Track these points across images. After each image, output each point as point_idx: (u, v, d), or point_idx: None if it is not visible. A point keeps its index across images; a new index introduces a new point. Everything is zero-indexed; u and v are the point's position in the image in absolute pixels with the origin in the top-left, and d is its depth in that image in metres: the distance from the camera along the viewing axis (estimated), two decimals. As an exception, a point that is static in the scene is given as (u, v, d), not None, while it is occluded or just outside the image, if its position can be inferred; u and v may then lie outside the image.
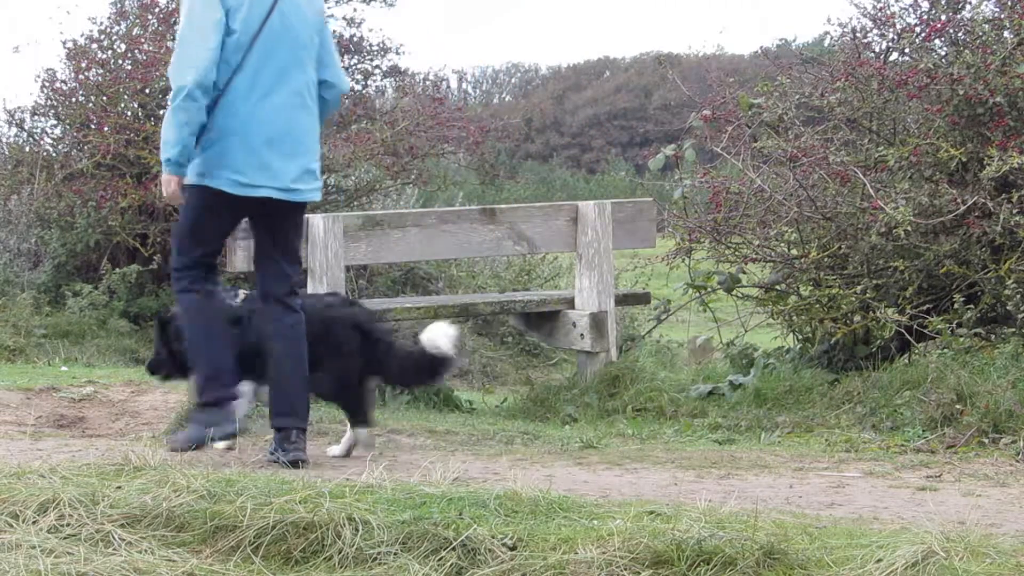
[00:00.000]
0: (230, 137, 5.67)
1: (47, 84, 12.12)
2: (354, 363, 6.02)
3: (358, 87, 12.83)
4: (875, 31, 8.44)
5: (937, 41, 8.02)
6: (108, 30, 12.37)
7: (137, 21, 12.35)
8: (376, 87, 13.37)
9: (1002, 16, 7.77)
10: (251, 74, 5.69)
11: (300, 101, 5.79)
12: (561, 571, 3.84)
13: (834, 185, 7.88)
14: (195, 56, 5.58)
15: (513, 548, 3.96)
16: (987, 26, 7.64)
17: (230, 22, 5.66)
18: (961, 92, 7.43)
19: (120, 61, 12.01)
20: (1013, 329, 7.17)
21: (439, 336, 6.05)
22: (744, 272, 8.66)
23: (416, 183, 13.27)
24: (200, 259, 5.84)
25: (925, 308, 7.49)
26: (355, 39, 12.54)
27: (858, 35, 8.40)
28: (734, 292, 8.70)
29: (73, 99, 12.00)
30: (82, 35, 12.11)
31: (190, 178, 5.71)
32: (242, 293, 6.17)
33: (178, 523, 4.14)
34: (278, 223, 5.84)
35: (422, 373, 6.18)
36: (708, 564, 3.82)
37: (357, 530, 4.04)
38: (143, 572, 3.82)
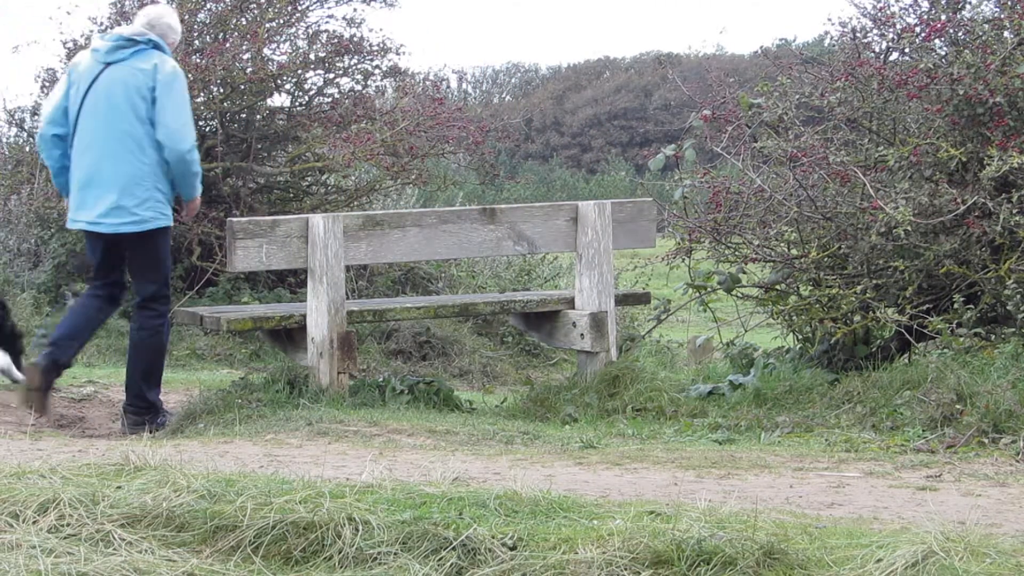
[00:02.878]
0: (71, 183, 7.36)
1: (47, 84, 12.11)
2: None
3: (358, 87, 12.83)
4: (875, 31, 8.43)
5: (937, 41, 8.01)
6: (108, 30, 12.35)
7: (137, 21, 12.33)
8: (376, 87, 13.35)
9: (1002, 16, 7.77)
10: (78, 132, 7.29)
11: (114, 150, 7.19)
12: (561, 571, 3.84)
13: (834, 185, 7.87)
14: (44, 112, 7.54)
15: (513, 548, 3.96)
16: (987, 26, 7.64)
17: (71, 92, 7.34)
18: (961, 92, 7.43)
19: (120, 61, 11.99)
20: (1013, 329, 7.16)
21: None
22: (744, 272, 8.65)
23: (416, 183, 13.26)
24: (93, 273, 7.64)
25: (925, 308, 7.49)
26: (355, 39, 12.52)
27: (858, 35, 8.39)
28: (734, 292, 8.69)
29: (73, 99, 11.99)
30: (82, 35, 12.12)
31: None
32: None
33: (178, 523, 4.14)
34: (109, 249, 7.42)
35: None
36: (708, 564, 3.81)
37: (357, 530, 4.04)
38: (143, 572, 3.82)
